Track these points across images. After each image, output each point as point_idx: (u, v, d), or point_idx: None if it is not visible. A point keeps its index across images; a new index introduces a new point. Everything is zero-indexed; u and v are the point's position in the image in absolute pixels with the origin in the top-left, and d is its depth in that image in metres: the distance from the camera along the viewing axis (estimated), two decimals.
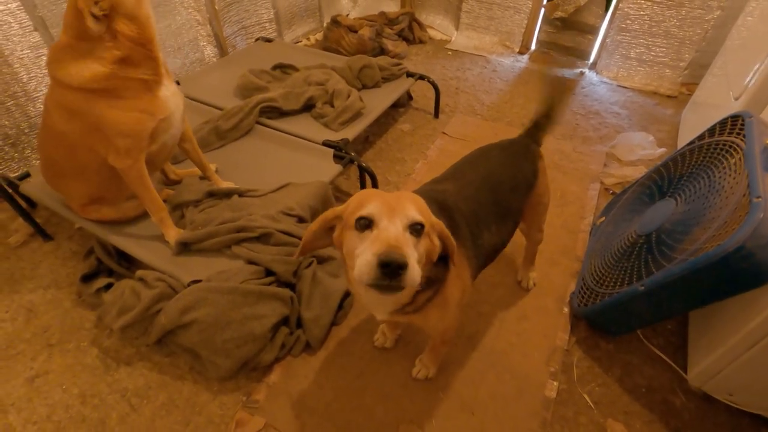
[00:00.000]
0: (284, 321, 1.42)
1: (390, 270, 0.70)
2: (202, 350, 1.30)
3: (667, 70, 2.90)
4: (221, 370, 1.31)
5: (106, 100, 1.24)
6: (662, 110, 2.74)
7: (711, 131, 1.45)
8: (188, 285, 1.34)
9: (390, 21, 3.40)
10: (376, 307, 0.98)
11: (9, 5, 1.77)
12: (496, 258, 1.23)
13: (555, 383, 1.37)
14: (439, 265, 0.94)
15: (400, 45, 3.25)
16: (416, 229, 0.79)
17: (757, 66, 1.67)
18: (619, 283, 1.37)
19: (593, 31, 3.10)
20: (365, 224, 0.77)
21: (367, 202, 0.79)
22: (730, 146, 1.29)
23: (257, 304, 1.33)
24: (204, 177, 1.72)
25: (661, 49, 2.85)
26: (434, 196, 1.04)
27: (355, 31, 3.12)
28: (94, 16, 1.12)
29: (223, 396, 1.34)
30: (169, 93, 1.36)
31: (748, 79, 1.71)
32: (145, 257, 1.47)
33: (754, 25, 1.96)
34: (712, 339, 1.23)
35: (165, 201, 1.62)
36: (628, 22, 2.86)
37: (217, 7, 2.63)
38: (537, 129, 1.33)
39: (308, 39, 3.47)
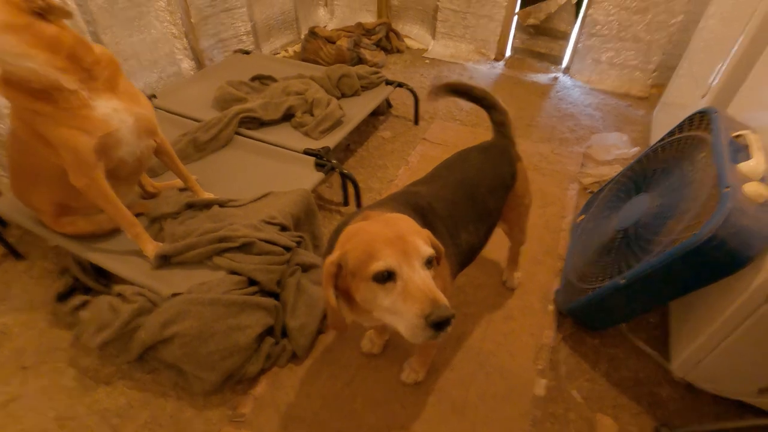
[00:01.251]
0: (269, 331, 1.40)
1: (441, 325, 0.75)
2: (186, 364, 1.27)
3: (637, 73, 3.00)
4: (206, 384, 1.27)
5: (36, 117, 1.20)
6: (634, 111, 2.83)
7: (680, 127, 1.51)
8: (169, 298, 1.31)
9: (367, 31, 3.44)
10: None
11: None
12: (476, 258, 1.24)
13: (543, 381, 1.38)
14: None
15: (378, 54, 3.29)
16: (429, 261, 0.82)
17: (719, 66, 1.74)
18: (600, 278, 1.39)
19: (565, 37, 3.20)
20: (385, 277, 0.79)
21: (377, 251, 0.78)
22: (699, 140, 1.34)
23: (241, 315, 1.30)
24: (185, 188, 1.69)
25: (630, 52, 2.95)
26: (408, 198, 1.05)
27: (333, 42, 3.14)
28: None
29: (208, 411, 1.30)
30: (110, 110, 1.27)
31: (711, 79, 1.78)
32: (124, 272, 1.43)
33: (715, 28, 2.05)
34: (691, 329, 1.26)
35: (142, 214, 1.59)
36: (597, 27, 2.96)
37: (193, 21, 2.62)
38: (501, 126, 1.35)
39: (286, 51, 3.48)
